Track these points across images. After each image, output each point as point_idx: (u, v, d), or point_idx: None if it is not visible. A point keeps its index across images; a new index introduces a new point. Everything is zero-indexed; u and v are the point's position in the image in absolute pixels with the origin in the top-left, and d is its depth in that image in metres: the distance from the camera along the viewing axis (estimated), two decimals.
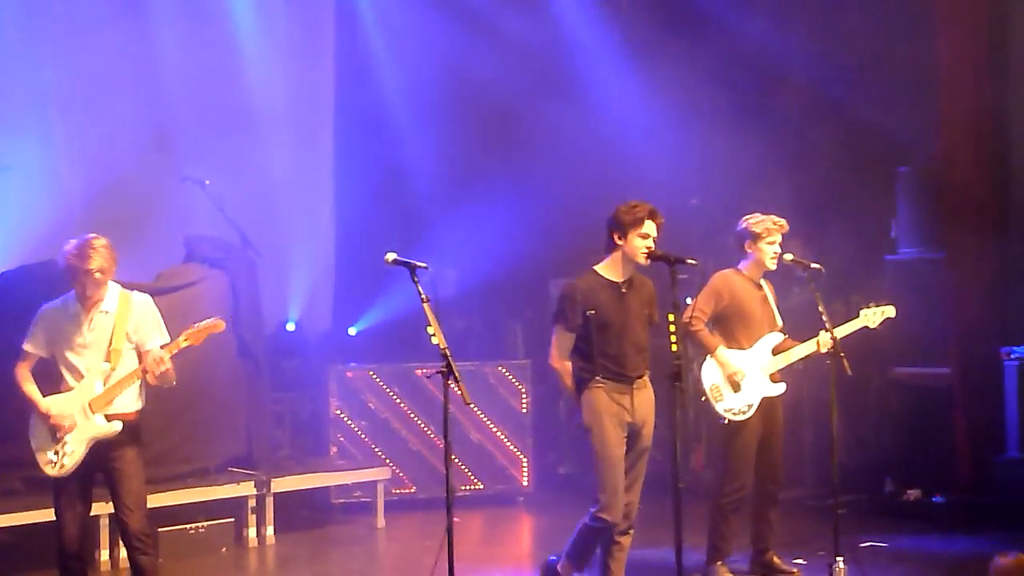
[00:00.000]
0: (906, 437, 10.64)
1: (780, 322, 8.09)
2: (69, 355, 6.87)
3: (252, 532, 9.57)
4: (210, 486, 9.35)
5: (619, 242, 7.03)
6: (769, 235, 7.91)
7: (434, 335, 6.21)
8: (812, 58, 11.37)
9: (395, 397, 10.83)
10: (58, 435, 6.81)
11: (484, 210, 11.73)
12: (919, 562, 8.70)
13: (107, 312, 6.89)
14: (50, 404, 6.84)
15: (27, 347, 6.97)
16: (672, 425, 6.57)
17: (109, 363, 6.84)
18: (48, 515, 8.28)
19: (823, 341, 7.81)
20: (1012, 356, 9.91)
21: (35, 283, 8.94)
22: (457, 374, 6.14)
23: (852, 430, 10.86)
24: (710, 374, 7.86)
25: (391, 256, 6.35)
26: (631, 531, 7.20)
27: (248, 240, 10.17)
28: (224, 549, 9.31)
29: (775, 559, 8.13)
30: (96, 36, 10.52)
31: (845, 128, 11.35)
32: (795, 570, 8.14)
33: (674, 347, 6.57)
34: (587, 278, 7.12)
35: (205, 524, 9.25)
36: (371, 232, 11.82)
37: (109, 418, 6.83)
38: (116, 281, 7.00)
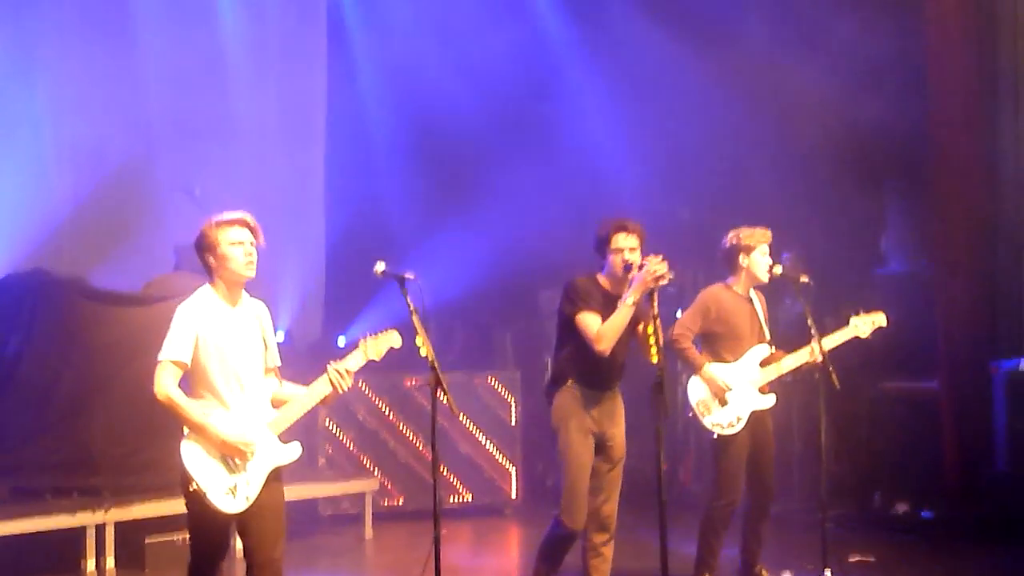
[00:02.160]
0: (895, 451, 10.65)
1: (768, 335, 8.08)
2: (227, 359, 5.94)
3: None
4: None
5: (601, 260, 7.16)
6: (760, 246, 7.92)
7: (422, 346, 6.19)
8: (802, 70, 11.37)
9: (384, 408, 10.82)
10: (236, 464, 5.89)
11: (474, 220, 11.73)
12: None
13: (252, 312, 6.13)
14: (222, 430, 5.85)
15: (172, 357, 5.86)
16: (656, 437, 6.58)
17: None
18: (35, 525, 8.35)
19: (815, 350, 7.80)
20: (1001, 370, 9.92)
21: (23, 291, 8.96)
22: (445, 385, 6.13)
23: (841, 444, 10.86)
24: (696, 390, 7.84)
25: (380, 267, 6.33)
26: (611, 541, 7.20)
27: None
28: None
29: (764, 573, 8.11)
30: (85, 44, 10.51)
31: (834, 140, 11.36)
32: None
33: (654, 359, 6.62)
34: (587, 281, 7.19)
35: None
36: (361, 242, 11.81)
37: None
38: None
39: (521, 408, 11.14)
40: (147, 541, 8.91)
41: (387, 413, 10.84)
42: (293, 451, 6.06)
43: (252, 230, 6.03)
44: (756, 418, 7.88)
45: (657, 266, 6.71)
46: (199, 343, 5.87)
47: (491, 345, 12.53)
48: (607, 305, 7.04)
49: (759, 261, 7.90)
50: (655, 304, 6.66)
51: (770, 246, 7.96)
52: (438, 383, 6.10)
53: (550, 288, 10.62)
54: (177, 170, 10.65)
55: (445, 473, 10.78)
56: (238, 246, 5.95)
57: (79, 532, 8.58)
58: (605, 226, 7.10)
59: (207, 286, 6.01)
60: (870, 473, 10.83)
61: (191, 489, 5.86)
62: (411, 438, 10.85)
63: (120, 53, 10.77)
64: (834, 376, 7.66)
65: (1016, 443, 9.78)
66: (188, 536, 6.11)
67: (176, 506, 9.06)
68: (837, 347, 7.91)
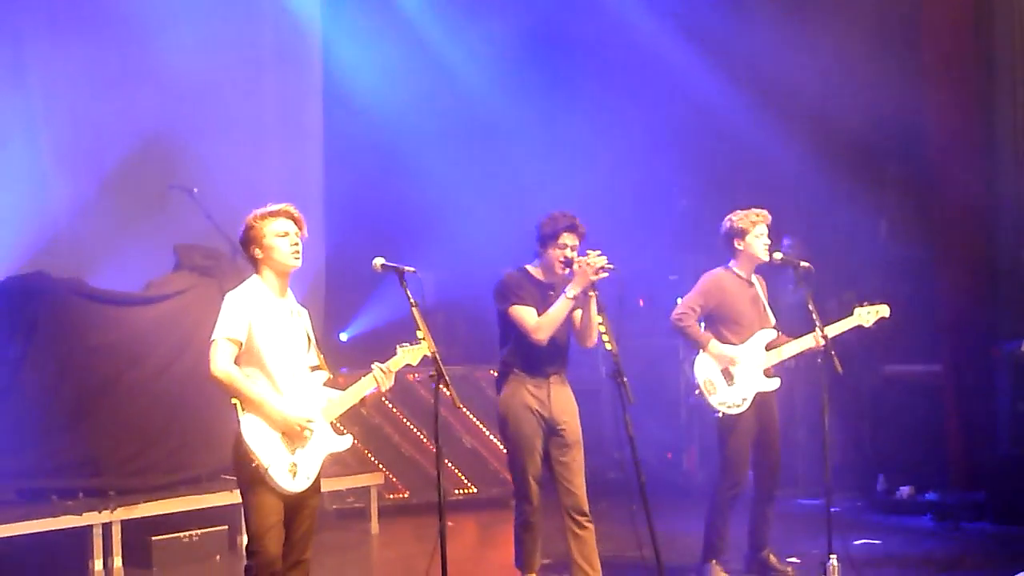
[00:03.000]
0: (898, 434, 10.68)
1: (773, 319, 8.10)
2: (278, 347, 6.01)
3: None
4: (203, 494, 9.33)
5: (541, 252, 7.27)
6: (755, 227, 7.94)
7: (424, 339, 6.21)
8: (803, 61, 11.37)
9: (387, 402, 10.83)
10: (295, 443, 5.94)
11: (473, 214, 11.73)
12: (912, 559, 8.69)
13: (295, 308, 6.20)
14: (284, 407, 5.92)
15: (228, 334, 5.90)
16: (624, 423, 6.64)
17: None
18: (42, 526, 8.36)
19: (819, 336, 7.81)
20: (1003, 352, 9.93)
21: (23, 294, 8.96)
22: (447, 378, 6.14)
23: (844, 428, 10.86)
24: (703, 368, 7.88)
25: (379, 261, 6.34)
26: (590, 523, 7.21)
27: (237, 248, 10.13)
28: (218, 557, 9.28)
29: (771, 557, 8.12)
30: (81, 44, 10.47)
31: (836, 128, 11.36)
32: (789, 568, 8.14)
33: (608, 346, 6.79)
34: (517, 274, 7.33)
35: (198, 532, 9.23)
36: (361, 237, 11.80)
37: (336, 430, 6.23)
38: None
39: None
40: (154, 539, 8.94)
41: (391, 407, 10.85)
42: (345, 441, 6.21)
43: (296, 221, 6.13)
44: (761, 400, 7.91)
45: (597, 260, 6.90)
46: (252, 327, 5.94)
47: (492, 338, 12.51)
48: (542, 294, 7.21)
49: (755, 243, 7.93)
50: (597, 294, 6.91)
51: (769, 227, 7.98)
52: (440, 377, 6.12)
53: None
54: (175, 171, 10.63)
55: (450, 466, 10.80)
56: (283, 237, 6.05)
57: (86, 532, 8.60)
58: (555, 223, 7.19)
59: (255, 276, 6.13)
60: (874, 457, 10.85)
61: (253, 466, 5.83)
62: (415, 432, 10.86)
63: (117, 52, 10.74)
64: (836, 361, 7.67)
65: (1019, 426, 9.80)
66: (244, 519, 6.08)
67: (182, 504, 9.15)
68: (839, 334, 7.93)
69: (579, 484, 7.23)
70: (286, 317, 6.09)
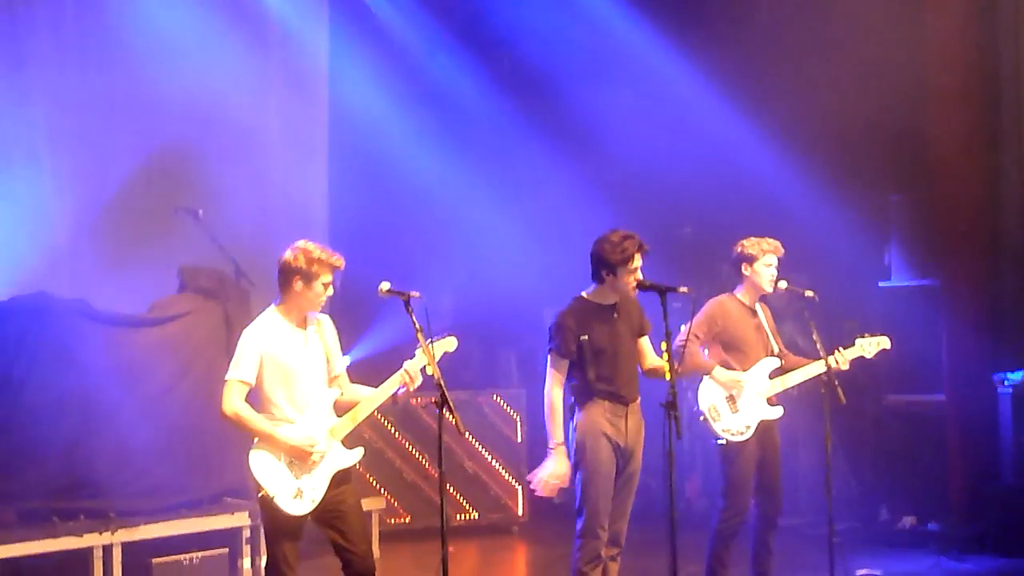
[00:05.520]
0: (900, 464, 10.66)
1: (776, 348, 8.10)
2: (291, 380, 6.42)
3: (247, 563, 9.53)
4: (204, 516, 9.31)
5: (607, 278, 7.09)
6: (764, 255, 7.94)
7: (428, 364, 6.22)
8: (805, 84, 11.40)
9: (389, 426, 10.82)
10: (301, 468, 6.35)
11: (479, 238, 11.74)
12: None
13: (314, 330, 6.57)
14: (288, 435, 6.35)
15: (239, 377, 6.39)
16: (667, 454, 6.56)
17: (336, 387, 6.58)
18: (43, 547, 8.34)
19: (827, 363, 7.81)
20: (1006, 383, 9.92)
21: (26, 315, 8.96)
22: (451, 403, 6.14)
23: (847, 458, 10.86)
24: (707, 394, 7.86)
25: (385, 286, 6.37)
26: (619, 556, 7.15)
27: (242, 270, 10.17)
28: None
29: None
30: (85, 66, 10.50)
31: (838, 155, 11.37)
32: None
33: (668, 375, 6.61)
34: (575, 305, 7.17)
35: (199, 555, 9.19)
36: (365, 260, 11.79)
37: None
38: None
39: (527, 426, 11.13)
40: (154, 562, 8.89)
41: (393, 432, 10.84)
42: (355, 455, 6.51)
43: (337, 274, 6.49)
44: (764, 428, 7.90)
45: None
46: (264, 364, 6.38)
47: (496, 363, 12.53)
48: (605, 317, 7.09)
49: (762, 272, 7.93)
50: (667, 320, 6.64)
51: (779, 259, 7.97)
52: (444, 402, 6.12)
53: (554, 306, 10.61)
54: (180, 193, 10.64)
55: (451, 491, 10.78)
56: (327, 289, 6.50)
57: (86, 554, 8.57)
58: (625, 247, 7.01)
59: (273, 309, 6.52)
60: (876, 487, 10.83)
61: (260, 495, 6.29)
62: (417, 456, 10.85)
63: (121, 74, 10.75)
64: (840, 390, 7.66)
65: (1022, 456, 9.78)
66: (265, 539, 6.55)
67: (183, 526, 9.13)
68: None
69: (626, 516, 7.14)
70: (301, 348, 6.46)
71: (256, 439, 6.37)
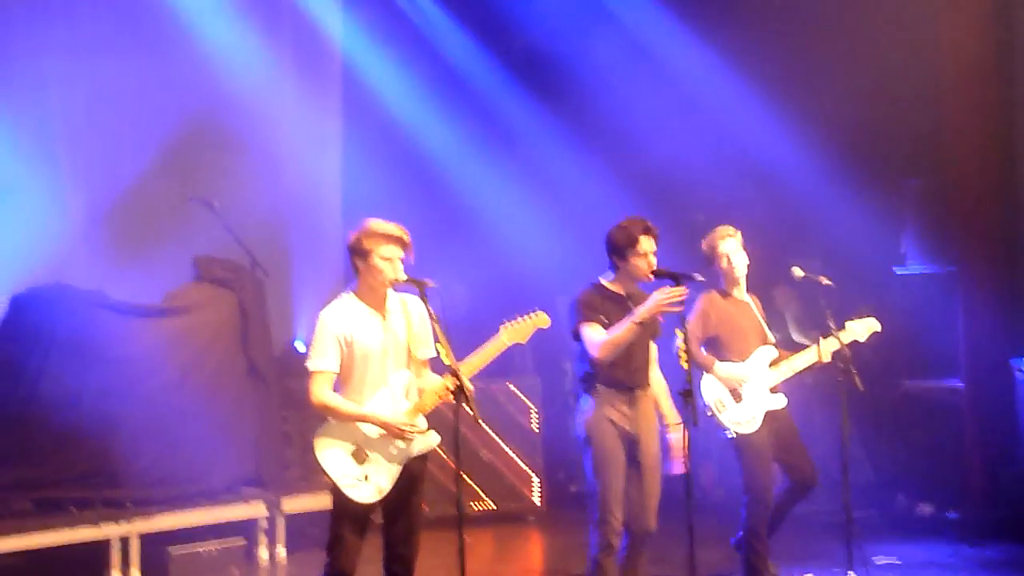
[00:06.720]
0: (918, 451, 10.62)
1: (771, 337, 8.08)
2: (367, 362, 6.34)
3: (264, 552, 9.56)
4: (222, 506, 9.33)
5: (620, 264, 7.07)
6: (723, 243, 7.91)
7: (443, 353, 6.21)
8: (822, 72, 11.35)
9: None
10: (368, 456, 6.31)
11: (494, 225, 11.72)
12: None
13: (398, 312, 6.46)
14: (383, 415, 6.29)
15: (321, 367, 6.31)
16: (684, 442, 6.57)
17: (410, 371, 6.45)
18: (60, 538, 8.38)
19: (824, 351, 7.80)
20: (1023, 368, 9.88)
21: (43, 305, 8.99)
22: (467, 392, 6.13)
23: (864, 445, 10.83)
24: (710, 389, 7.85)
25: (401, 275, 6.35)
26: (644, 552, 7.13)
27: (256, 260, 10.19)
28: (236, 570, 9.28)
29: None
30: (100, 58, 10.50)
31: (854, 141, 11.33)
32: None
33: (684, 364, 6.61)
34: (593, 291, 7.16)
35: (216, 545, 9.22)
36: None
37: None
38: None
39: (542, 414, 11.12)
40: (171, 552, 8.92)
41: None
42: (431, 439, 6.43)
43: (405, 246, 6.36)
44: (774, 418, 7.88)
45: (676, 296, 6.68)
46: (342, 350, 6.28)
47: (510, 351, 12.47)
48: (621, 306, 7.04)
49: (730, 257, 7.89)
50: (682, 309, 6.66)
51: (739, 241, 7.93)
52: (461, 391, 6.11)
53: (569, 294, 10.60)
54: (194, 183, 10.65)
55: (467, 480, 10.78)
56: (387, 262, 6.31)
57: (103, 544, 8.61)
58: (628, 230, 7.01)
59: (350, 293, 6.44)
60: (893, 474, 10.80)
61: (324, 480, 6.31)
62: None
63: (135, 65, 10.76)
64: (857, 378, 7.64)
65: None
66: (330, 521, 6.43)
67: (200, 517, 9.16)
68: (840, 350, 7.86)
69: (653, 509, 7.09)
70: (378, 332, 6.33)
71: (321, 429, 6.32)
